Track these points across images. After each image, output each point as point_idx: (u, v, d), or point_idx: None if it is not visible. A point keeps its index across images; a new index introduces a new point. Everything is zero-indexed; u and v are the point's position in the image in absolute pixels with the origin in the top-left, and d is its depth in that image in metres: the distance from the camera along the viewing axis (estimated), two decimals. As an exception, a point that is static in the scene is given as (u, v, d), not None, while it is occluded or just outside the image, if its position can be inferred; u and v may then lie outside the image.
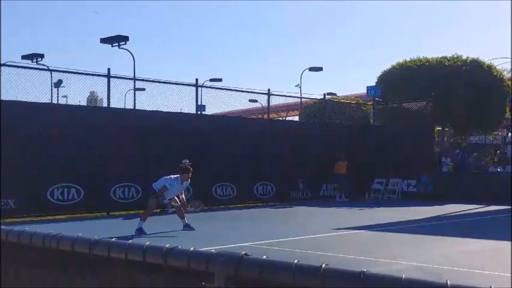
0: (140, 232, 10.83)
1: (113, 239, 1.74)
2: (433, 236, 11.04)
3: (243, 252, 1.48)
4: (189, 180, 11.41)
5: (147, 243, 1.67)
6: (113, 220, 14.73)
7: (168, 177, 11.24)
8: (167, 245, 1.60)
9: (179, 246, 1.60)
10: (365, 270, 1.27)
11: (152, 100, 17.64)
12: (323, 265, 1.34)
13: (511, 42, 21.89)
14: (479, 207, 17.31)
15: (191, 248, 1.56)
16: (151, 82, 17.79)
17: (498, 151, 23.96)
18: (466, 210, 16.72)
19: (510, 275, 6.77)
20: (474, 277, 6.73)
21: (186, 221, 11.49)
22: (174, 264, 1.56)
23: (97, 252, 1.67)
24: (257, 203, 19.33)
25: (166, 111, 17.56)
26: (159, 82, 17.66)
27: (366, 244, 9.94)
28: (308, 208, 18.06)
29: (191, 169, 11.36)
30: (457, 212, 16.28)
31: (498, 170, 21.26)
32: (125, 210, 16.13)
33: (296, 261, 1.39)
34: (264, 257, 1.44)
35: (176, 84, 18.00)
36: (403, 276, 1.23)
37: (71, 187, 15.18)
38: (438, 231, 11.82)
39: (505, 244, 9.73)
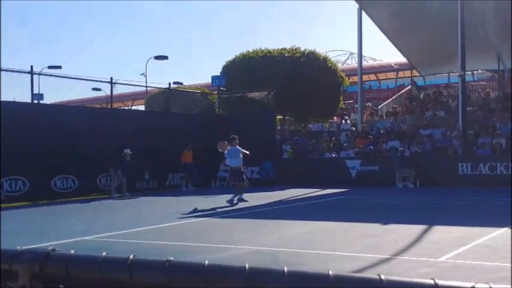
0: (240, 200, 14.71)
1: None
2: (274, 220, 11.58)
3: (50, 248, 1.42)
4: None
5: None
6: None
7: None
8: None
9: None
10: (171, 258, 1.29)
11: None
12: (131, 257, 1.33)
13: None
14: (317, 191, 18.45)
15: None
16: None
17: (333, 138, 25.66)
18: (305, 194, 17.74)
19: (350, 253, 7.32)
20: (308, 256, 7.16)
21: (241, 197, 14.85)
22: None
23: None
24: (101, 195, 18.72)
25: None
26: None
27: (210, 231, 10.12)
28: (154, 198, 17.92)
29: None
30: (297, 196, 17.20)
31: (333, 155, 22.81)
32: None
33: (104, 253, 1.36)
34: (72, 251, 1.39)
35: (7, 71, 16.69)
36: (207, 262, 1.26)
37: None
38: (279, 215, 12.42)
39: (335, 224, 10.52)
